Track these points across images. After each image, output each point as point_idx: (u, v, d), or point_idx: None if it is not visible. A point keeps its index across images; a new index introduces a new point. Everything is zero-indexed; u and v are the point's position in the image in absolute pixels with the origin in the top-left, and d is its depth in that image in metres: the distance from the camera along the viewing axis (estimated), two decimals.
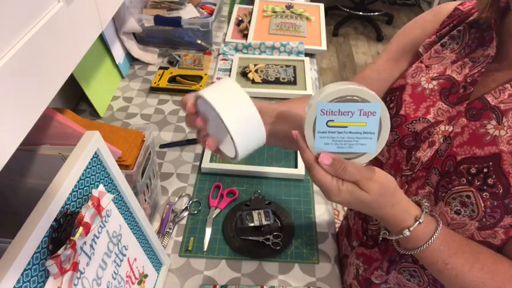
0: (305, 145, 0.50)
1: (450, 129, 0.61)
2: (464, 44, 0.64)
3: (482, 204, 0.56)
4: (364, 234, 0.78)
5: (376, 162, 0.72)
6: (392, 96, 0.69)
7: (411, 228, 0.54)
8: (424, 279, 0.68)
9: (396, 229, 0.55)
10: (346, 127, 0.49)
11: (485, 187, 0.56)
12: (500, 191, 0.54)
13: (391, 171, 0.68)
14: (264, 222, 0.88)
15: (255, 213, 0.89)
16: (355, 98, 0.47)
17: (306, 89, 1.25)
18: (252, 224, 0.87)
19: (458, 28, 0.65)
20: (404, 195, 0.55)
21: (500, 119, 0.56)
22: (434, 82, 0.64)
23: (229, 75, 1.30)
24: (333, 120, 0.49)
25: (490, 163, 0.55)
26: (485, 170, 0.56)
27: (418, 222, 0.54)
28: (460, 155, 0.58)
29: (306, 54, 1.41)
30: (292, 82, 1.28)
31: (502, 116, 0.56)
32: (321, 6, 1.65)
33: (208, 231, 0.89)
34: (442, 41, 0.66)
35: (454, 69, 0.63)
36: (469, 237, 0.59)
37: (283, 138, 0.65)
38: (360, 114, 0.48)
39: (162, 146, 1.08)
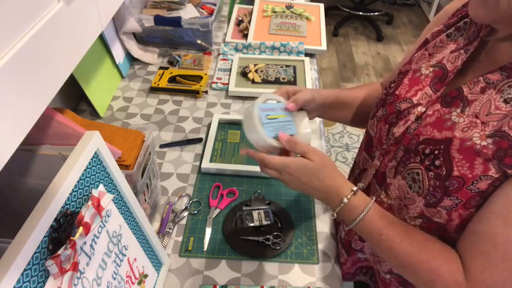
0: (253, 151, 0.70)
1: (423, 110, 0.64)
2: (466, 35, 0.66)
3: (427, 183, 0.60)
4: None
5: (367, 135, 0.80)
6: (396, 78, 0.74)
7: (348, 196, 0.65)
8: None
9: (336, 200, 0.65)
10: (277, 118, 0.72)
11: (432, 167, 0.60)
12: (443, 173, 0.58)
13: (377, 144, 0.75)
14: (264, 222, 0.87)
15: (255, 213, 0.89)
16: (274, 100, 0.75)
17: None
18: (252, 224, 0.87)
19: (465, 20, 0.67)
20: (341, 173, 0.68)
21: (465, 107, 0.59)
22: (431, 69, 0.68)
23: (229, 75, 1.30)
24: (269, 114, 0.72)
25: (442, 146, 0.59)
26: (436, 152, 0.60)
27: (353, 192, 0.65)
28: (422, 135, 0.62)
29: (306, 54, 1.41)
30: (292, 82, 1.28)
31: (467, 105, 0.59)
32: (321, 6, 1.65)
33: (208, 231, 0.89)
34: (448, 32, 0.69)
35: (449, 59, 0.66)
36: (419, 213, 0.64)
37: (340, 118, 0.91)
38: (281, 109, 0.74)
39: (162, 146, 1.08)
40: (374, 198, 0.66)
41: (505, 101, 0.55)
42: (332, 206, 0.67)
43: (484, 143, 0.55)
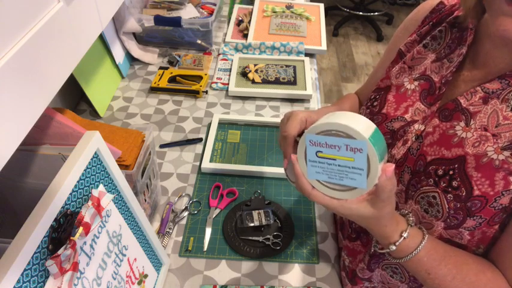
0: (300, 171, 0.53)
1: (422, 128, 0.62)
2: (445, 44, 0.64)
3: (447, 206, 0.57)
4: (350, 227, 0.79)
5: None
6: (377, 95, 0.71)
7: (397, 243, 0.56)
8: (405, 276, 0.70)
9: (384, 243, 0.58)
10: (335, 160, 0.49)
11: (450, 189, 0.57)
12: (464, 194, 0.55)
13: None
14: (264, 222, 0.88)
15: (255, 213, 0.89)
16: (340, 133, 0.48)
17: (306, 89, 1.25)
18: (252, 224, 0.87)
19: (440, 28, 0.65)
20: (395, 213, 0.57)
21: (469, 121, 0.57)
22: (416, 83, 0.65)
23: (229, 75, 1.30)
24: (321, 151, 0.50)
25: (456, 165, 0.56)
26: (451, 172, 0.57)
27: (402, 237, 0.56)
28: (430, 155, 0.59)
29: (306, 54, 1.41)
30: (292, 82, 1.28)
31: (470, 118, 0.57)
32: (321, 6, 1.65)
33: (208, 231, 0.89)
34: (424, 42, 0.67)
35: (432, 69, 0.64)
36: (438, 236, 0.60)
37: None
38: (347, 150, 0.48)
39: (162, 146, 1.08)
40: (426, 237, 0.57)
41: None
42: (380, 243, 0.60)
43: (501, 156, 0.53)
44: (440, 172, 0.58)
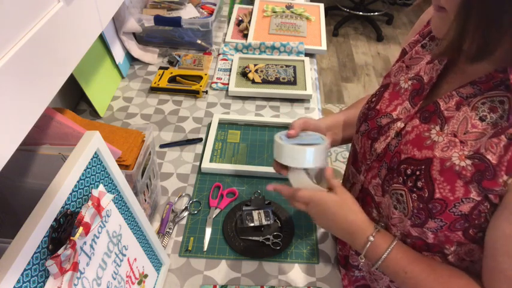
0: (280, 186, 0.70)
1: (402, 126, 0.64)
2: (440, 45, 0.64)
3: (411, 205, 0.59)
4: None
5: (353, 149, 0.79)
6: (378, 91, 0.74)
7: (373, 233, 0.63)
8: None
9: (361, 238, 0.64)
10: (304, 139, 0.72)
11: (415, 189, 0.59)
12: (426, 195, 0.57)
13: (362, 159, 0.74)
14: (264, 222, 0.88)
15: (255, 213, 0.89)
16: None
17: (306, 89, 1.25)
18: (252, 224, 0.87)
19: None
20: (362, 210, 0.66)
21: (443, 125, 0.58)
22: (410, 82, 0.67)
23: (229, 75, 1.30)
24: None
25: (423, 167, 0.58)
26: (417, 173, 0.58)
27: (377, 229, 0.64)
28: (404, 154, 0.61)
29: (306, 54, 1.41)
30: (292, 82, 1.28)
31: (445, 123, 0.58)
32: (321, 6, 1.65)
33: (208, 231, 0.89)
34: (422, 42, 0.68)
35: (425, 70, 0.65)
36: (407, 233, 0.64)
37: (350, 139, 0.86)
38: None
39: (162, 146, 1.08)
40: (396, 240, 0.64)
41: (481, 119, 0.54)
42: (357, 245, 0.66)
43: (463, 163, 0.54)
44: (409, 171, 0.60)
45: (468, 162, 0.53)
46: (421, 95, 0.63)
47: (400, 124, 0.64)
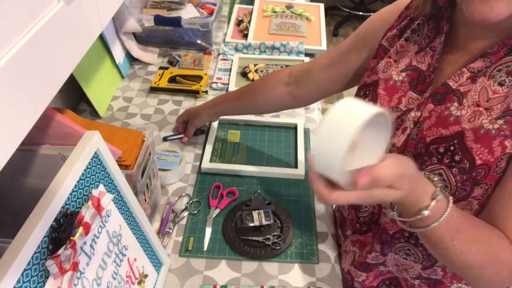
0: (315, 176, 0.47)
1: (419, 115, 0.64)
2: (424, 35, 0.67)
3: (453, 180, 0.60)
4: (357, 222, 0.81)
5: None
6: (366, 91, 0.73)
7: (429, 207, 0.51)
8: (418, 256, 0.71)
9: (413, 211, 0.53)
10: None
11: (453, 163, 0.59)
12: (467, 166, 0.58)
13: None
14: (264, 222, 0.88)
15: (255, 213, 0.89)
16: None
17: None
18: (252, 224, 0.87)
19: (418, 22, 0.68)
20: (421, 174, 0.53)
21: (461, 100, 0.60)
22: (404, 74, 0.68)
23: (229, 75, 1.30)
24: None
25: (455, 141, 0.59)
26: (451, 148, 0.59)
27: (436, 200, 0.51)
28: (429, 137, 0.62)
29: (306, 54, 1.41)
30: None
31: (462, 97, 0.60)
32: (321, 6, 1.65)
33: (208, 231, 0.89)
34: (405, 36, 0.70)
35: (418, 59, 0.67)
36: None
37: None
38: None
39: (165, 139, 1.10)
40: (451, 199, 0.54)
41: (500, 84, 0.57)
42: (406, 214, 0.55)
43: (496, 125, 0.56)
44: (441, 150, 0.60)
45: (500, 122, 0.56)
46: (425, 82, 0.65)
47: (415, 113, 0.65)
